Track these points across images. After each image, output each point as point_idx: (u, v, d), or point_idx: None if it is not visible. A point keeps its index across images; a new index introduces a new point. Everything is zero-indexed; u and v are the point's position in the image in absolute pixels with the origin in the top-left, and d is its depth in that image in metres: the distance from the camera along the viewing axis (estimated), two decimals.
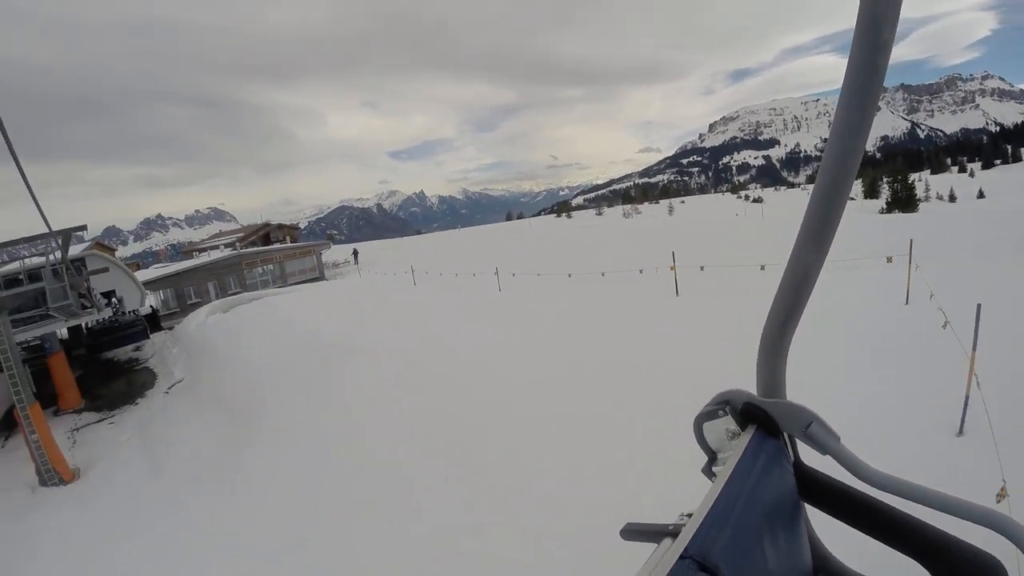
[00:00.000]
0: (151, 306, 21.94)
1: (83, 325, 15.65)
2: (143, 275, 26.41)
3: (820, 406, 0.81)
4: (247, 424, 10.87)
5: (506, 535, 5.65)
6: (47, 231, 11.39)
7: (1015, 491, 3.61)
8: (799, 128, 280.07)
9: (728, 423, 0.83)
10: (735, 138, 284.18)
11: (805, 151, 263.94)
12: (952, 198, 79.19)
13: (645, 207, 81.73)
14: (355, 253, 42.85)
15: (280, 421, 10.54)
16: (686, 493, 1.26)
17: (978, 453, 4.80)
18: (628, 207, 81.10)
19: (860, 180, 73.30)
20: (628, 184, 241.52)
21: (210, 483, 9.11)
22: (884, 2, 0.53)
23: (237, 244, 37.70)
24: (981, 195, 77.68)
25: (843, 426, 0.87)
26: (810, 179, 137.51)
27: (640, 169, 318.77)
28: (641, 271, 17.20)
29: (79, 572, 7.41)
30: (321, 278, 32.79)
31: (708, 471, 0.85)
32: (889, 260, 12.75)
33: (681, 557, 0.53)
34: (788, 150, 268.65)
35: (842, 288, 11.59)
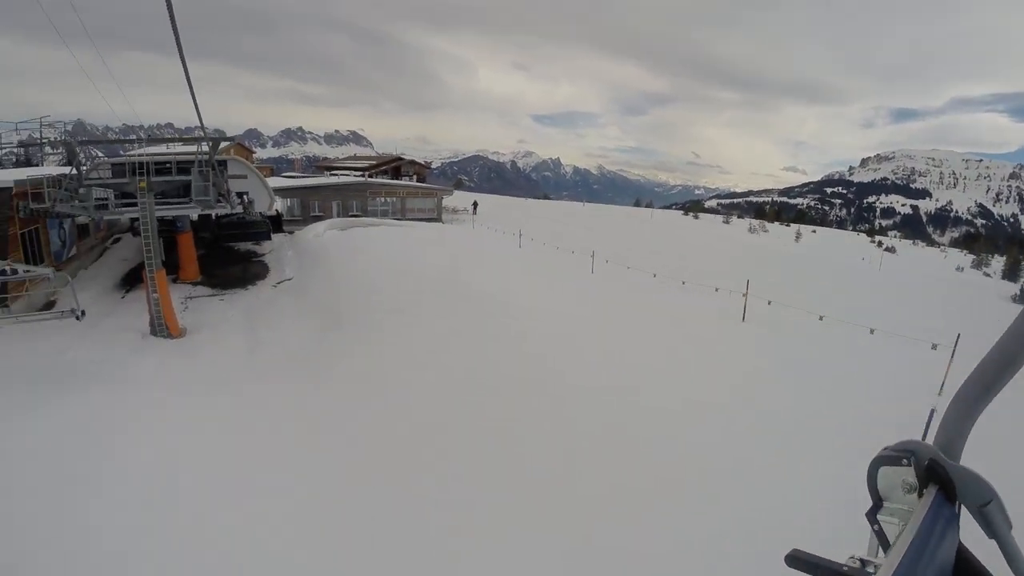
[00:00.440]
0: (276, 210, 24.15)
1: (213, 214, 17.49)
2: (275, 182, 29.21)
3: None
4: (341, 330, 11.94)
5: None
6: (201, 135, 12.50)
7: None
8: (955, 185, 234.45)
9: (907, 475, 0.78)
10: (886, 179, 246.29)
11: (956, 211, 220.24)
12: None
13: (774, 227, 74.23)
14: (475, 204, 43.61)
15: (371, 334, 11.42)
16: None
17: None
18: (756, 223, 74.06)
19: (1005, 256, 60.47)
20: (766, 200, 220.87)
21: (298, 371, 10.39)
22: None
23: (367, 173, 40.16)
24: None
25: None
26: (955, 242, 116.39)
27: (781, 187, 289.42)
28: (717, 289, 18.17)
29: (172, 404, 8.66)
30: (438, 220, 33.96)
31: (872, 518, 0.80)
32: None
33: None
34: (939, 205, 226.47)
35: None
